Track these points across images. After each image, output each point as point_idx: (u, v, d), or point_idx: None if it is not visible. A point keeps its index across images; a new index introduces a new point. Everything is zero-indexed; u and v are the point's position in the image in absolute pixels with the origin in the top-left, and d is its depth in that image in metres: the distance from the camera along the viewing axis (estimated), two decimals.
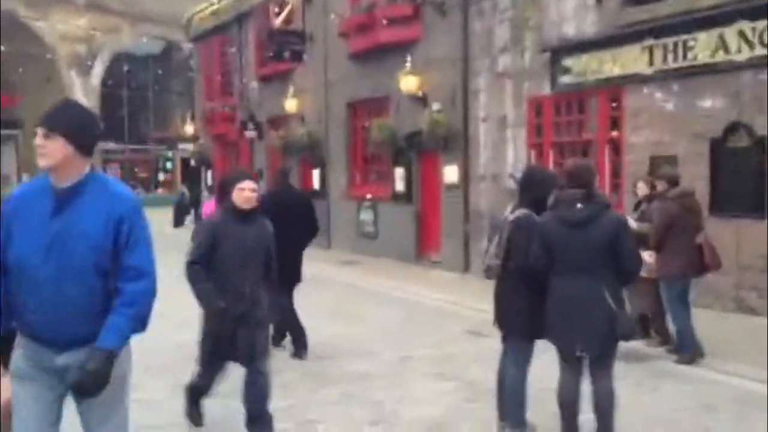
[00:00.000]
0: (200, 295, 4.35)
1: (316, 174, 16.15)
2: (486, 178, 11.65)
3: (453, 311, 9.01)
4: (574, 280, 3.92)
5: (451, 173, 12.16)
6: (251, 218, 4.44)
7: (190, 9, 21.89)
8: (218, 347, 4.41)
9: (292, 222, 6.43)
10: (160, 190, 34.15)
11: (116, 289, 2.65)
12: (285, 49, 15.31)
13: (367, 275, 12.04)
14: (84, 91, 30.61)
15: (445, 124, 11.97)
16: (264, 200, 6.47)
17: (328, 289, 11.03)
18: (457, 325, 8.07)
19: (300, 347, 6.66)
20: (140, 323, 2.70)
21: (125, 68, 32.76)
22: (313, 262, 14.08)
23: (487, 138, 11.64)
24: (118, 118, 32.71)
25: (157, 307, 2.78)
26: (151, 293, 2.72)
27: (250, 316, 4.36)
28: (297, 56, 15.44)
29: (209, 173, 22.06)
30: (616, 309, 3.87)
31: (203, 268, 4.33)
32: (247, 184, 4.39)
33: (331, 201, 15.69)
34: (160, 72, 34.02)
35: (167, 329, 7.69)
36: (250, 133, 18.33)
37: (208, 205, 7.13)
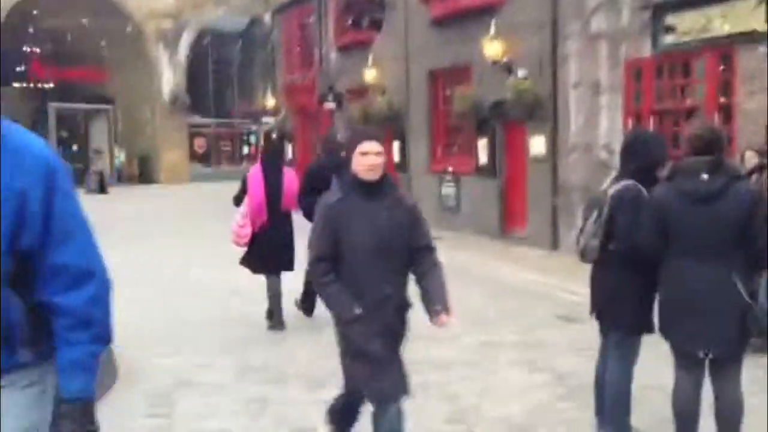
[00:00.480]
0: (329, 301, 3.30)
1: (396, 146, 15.66)
2: (577, 149, 10.84)
3: (541, 292, 8.38)
4: (697, 266, 3.28)
5: (538, 144, 11.42)
6: (381, 192, 3.28)
7: None
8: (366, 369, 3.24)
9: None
10: (244, 164, 34.49)
11: (47, 305, 1.84)
12: (364, 17, 14.81)
13: (448, 251, 11.41)
14: (171, 66, 31.05)
15: (532, 91, 11.21)
16: (310, 171, 6.49)
17: None
18: (546, 309, 7.46)
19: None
20: (104, 342, 1.93)
21: (210, 43, 33.02)
22: None
23: (578, 106, 10.81)
24: (203, 93, 33.09)
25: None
26: (104, 299, 1.91)
27: (393, 328, 3.31)
28: (376, 24, 14.91)
29: (290, 146, 21.93)
30: (748, 300, 3.21)
31: (330, 265, 3.25)
32: (372, 146, 3.24)
33: (411, 174, 15.18)
34: (243, 47, 34.15)
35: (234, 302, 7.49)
36: (330, 105, 17.99)
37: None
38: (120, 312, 2.30)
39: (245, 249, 6.48)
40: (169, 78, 30.95)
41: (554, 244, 11.15)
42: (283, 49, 21.58)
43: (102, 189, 25.79)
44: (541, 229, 11.41)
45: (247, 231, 6.31)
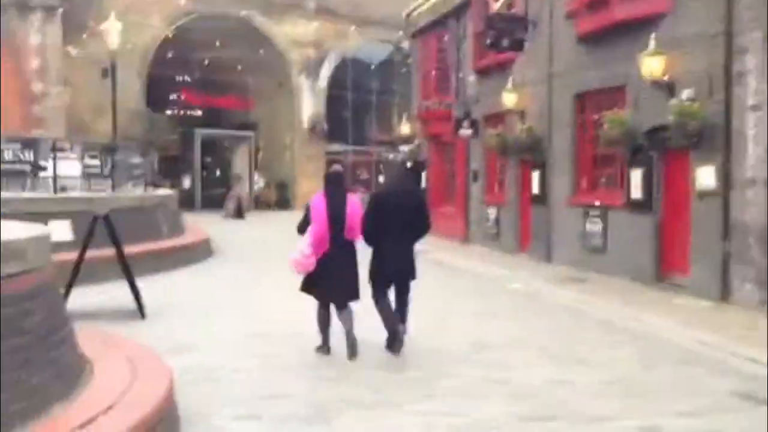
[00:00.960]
0: None
1: (535, 176, 14.32)
2: (755, 183, 9.09)
3: (711, 358, 6.77)
4: None
5: (706, 176, 9.73)
6: None
7: (410, 5, 21.11)
8: None
9: (405, 219, 6.43)
10: None
11: None
12: (504, 36, 13.70)
13: (592, 297, 10.03)
14: (311, 94, 31.39)
15: (699, 115, 9.59)
16: (373, 197, 6.75)
17: (543, 311, 9.29)
18: (719, 381, 5.92)
19: (394, 342, 6.48)
20: None
21: (350, 71, 33.16)
22: (529, 277, 12.28)
23: (757, 132, 9.08)
24: (342, 121, 33.20)
25: None
26: None
27: None
28: (518, 44, 13.76)
29: (423, 175, 21.07)
30: None
31: None
32: None
33: (552, 207, 13.77)
34: (383, 74, 34.04)
35: None
36: (465, 132, 16.96)
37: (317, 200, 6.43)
38: None
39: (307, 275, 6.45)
40: (310, 106, 31.30)
41: (724, 295, 9.38)
42: (419, 74, 20.86)
43: (239, 214, 26.15)
44: (707, 276, 9.67)
45: (312, 261, 6.24)
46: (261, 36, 29.04)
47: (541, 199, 14.08)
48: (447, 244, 17.69)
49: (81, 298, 8.61)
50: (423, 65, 20.53)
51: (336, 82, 32.22)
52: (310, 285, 6.39)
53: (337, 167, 7.10)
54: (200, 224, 18.95)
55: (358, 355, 6.33)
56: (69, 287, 7.62)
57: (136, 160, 13.75)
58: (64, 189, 11.95)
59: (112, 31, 15.30)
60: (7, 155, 9.86)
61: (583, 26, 12.23)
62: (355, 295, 6.39)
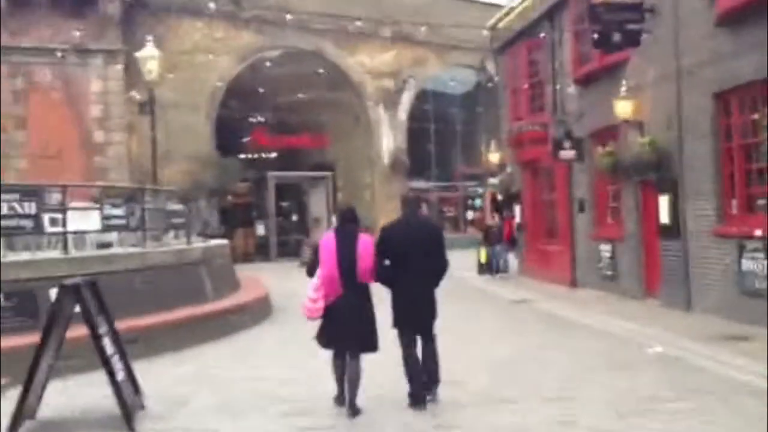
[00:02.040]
0: None
1: (663, 202, 11.33)
2: None
3: None
4: None
5: None
6: None
7: (494, 17, 18.70)
8: None
9: (419, 256, 5.94)
10: (469, 230, 31.46)
11: None
12: (615, 29, 10.94)
13: (759, 364, 7.00)
14: (391, 128, 29.32)
15: None
16: (384, 232, 6.12)
17: (683, 382, 6.45)
18: None
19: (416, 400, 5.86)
20: None
21: (431, 101, 30.94)
22: (669, 335, 8.97)
23: None
24: (425, 154, 30.92)
25: None
26: None
27: None
28: (633, 38, 10.94)
29: (517, 208, 18.30)
30: None
31: None
32: None
33: (689, 240, 10.75)
34: (466, 103, 31.67)
35: None
36: (567, 154, 14.16)
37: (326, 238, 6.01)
38: None
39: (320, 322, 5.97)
40: (390, 141, 29.25)
41: None
42: (508, 93, 18.22)
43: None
44: None
45: (320, 305, 5.84)
46: (335, 68, 27.27)
47: (673, 230, 11.09)
48: (551, 290, 14.81)
49: (60, 395, 6.43)
50: (512, 83, 17.90)
51: (416, 113, 30.12)
52: (321, 333, 5.99)
53: (343, 204, 6.34)
54: (267, 276, 16.91)
55: (372, 413, 5.69)
56: (25, 390, 5.38)
57: (175, 207, 11.73)
58: (107, 245, 10.00)
59: (148, 59, 13.49)
60: (4, 208, 7.92)
61: (723, 4, 9.37)
62: (370, 344, 5.87)
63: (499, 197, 20.19)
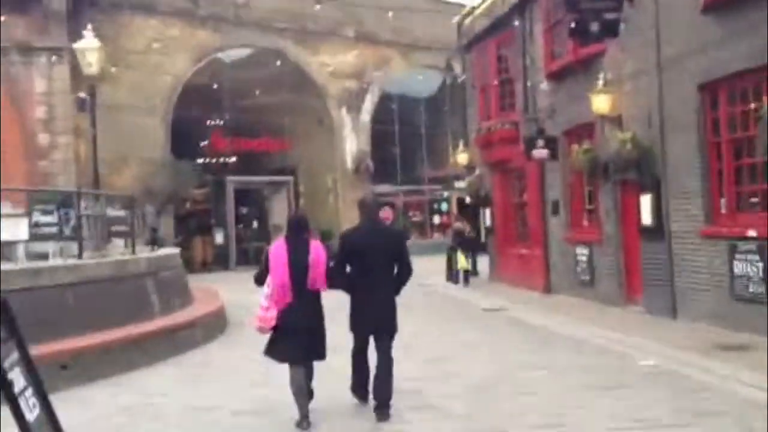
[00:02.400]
0: None
1: (645, 202, 10.66)
2: None
3: None
4: None
5: None
6: None
7: (461, 13, 17.98)
8: None
9: (379, 262, 5.79)
10: (435, 235, 30.70)
11: None
12: (593, 19, 10.23)
13: (761, 378, 6.30)
14: (354, 131, 28.44)
15: None
16: (343, 238, 6.05)
17: (688, 402, 5.74)
18: None
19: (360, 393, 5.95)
20: None
21: (396, 103, 30.12)
22: (651, 344, 8.24)
23: None
24: (389, 157, 30.05)
25: None
26: None
27: None
28: (611, 28, 10.24)
29: (487, 211, 17.57)
30: None
31: None
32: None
33: (673, 242, 10.08)
34: (432, 105, 30.94)
35: None
36: (540, 153, 13.45)
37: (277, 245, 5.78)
38: None
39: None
40: (353, 143, 28.38)
41: None
42: (477, 92, 17.48)
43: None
44: None
45: (273, 314, 5.62)
46: (296, 69, 26.29)
47: (656, 231, 10.43)
48: (524, 296, 14.10)
49: None
50: (481, 80, 17.17)
51: (380, 116, 29.23)
52: (271, 345, 5.75)
53: (300, 212, 6.60)
54: (225, 287, 15.88)
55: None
56: None
57: (118, 213, 10.64)
58: (43, 257, 8.94)
59: (87, 51, 12.39)
60: None
61: None
62: (319, 353, 5.78)
63: (468, 200, 19.42)
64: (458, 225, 17.90)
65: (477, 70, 17.50)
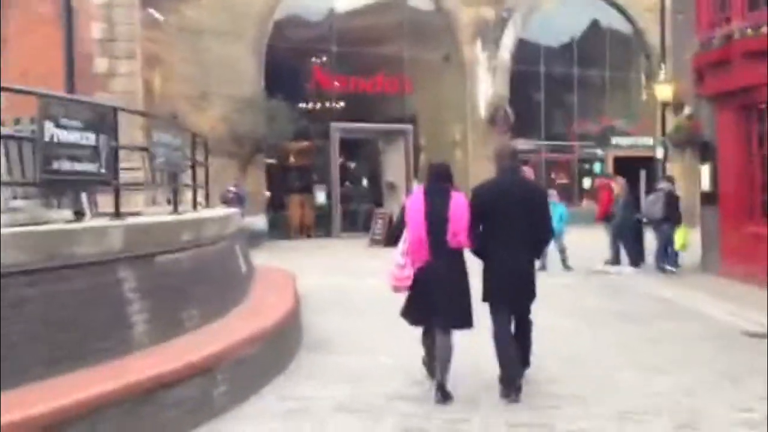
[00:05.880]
0: None
1: None
2: None
3: None
4: None
5: None
6: None
7: None
8: None
9: (518, 222, 5.14)
10: (584, 202, 24.93)
11: None
12: None
13: None
14: (490, 72, 23.03)
15: None
16: (475, 193, 5.40)
17: None
18: None
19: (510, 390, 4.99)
20: None
21: (541, 38, 24.41)
22: None
23: None
24: (532, 107, 24.49)
25: None
26: None
27: None
28: None
29: (705, 168, 11.74)
30: None
31: None
32: None
33: None
34: (589, 40, 25.02)
35: None
36: None
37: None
38: None
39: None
40: (488, 87, 23.06)
41: None
42: None
43: (392, 239, 17.79)
44: None
45: (409, 273, 5.14)
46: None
47: None
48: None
49: None
50: None
51: (523, 53, 23.59)
52: (408, 307, 5.24)
53: (443, 160, 6.04)
54: (320, 261, 11.36)
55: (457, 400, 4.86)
56: None
57: (174, 139, 6.25)
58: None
59: None
60: None
61: None
62: (464, 320, 5.07)
63: (663, 150, 13.55)
64: (666, 186, 12.14)
65: None
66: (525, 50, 24.03)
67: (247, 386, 4.90)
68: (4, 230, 4.01)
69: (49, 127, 4.55)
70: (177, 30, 18.28)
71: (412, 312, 5.20)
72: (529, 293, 5.25)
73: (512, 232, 5.11)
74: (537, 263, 5.47)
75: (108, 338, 4.42)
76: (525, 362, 5.27)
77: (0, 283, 3.83)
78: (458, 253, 5.10)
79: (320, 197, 21.27)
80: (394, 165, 22.65)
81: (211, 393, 4.51)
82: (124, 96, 15.81)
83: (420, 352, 5.47)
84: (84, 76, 15.39)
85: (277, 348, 5.67)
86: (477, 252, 5.23)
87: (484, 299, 5.20)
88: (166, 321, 4.93)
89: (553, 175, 25.99)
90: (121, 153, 6.09)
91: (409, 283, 5.10)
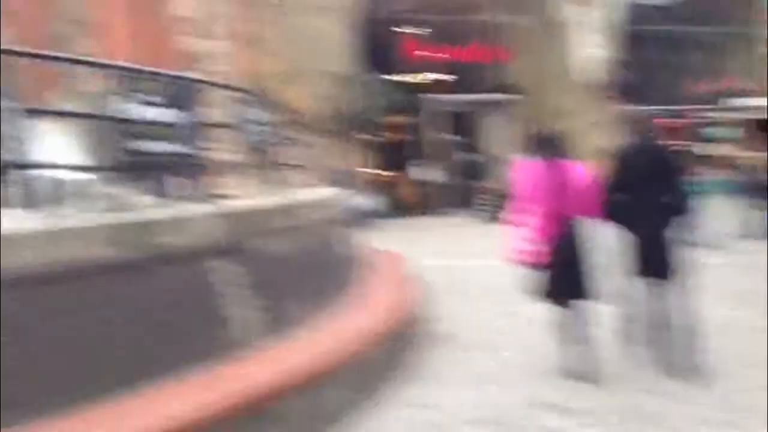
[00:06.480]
0: None
1: None
2: None
3: None
4: None
5: None
6: None
7: None
8: None
9: (652, 189, 4.81)
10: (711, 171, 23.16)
11: None
12: None
13: None
14: (599, 30, 21.56)
15: None
16: (615, 158, 5.15)
17: None
18: None
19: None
20: None
21: None
22: None
23: None
24: (647, 69, 22.82)
25: None
26: None
27: None
28: None
29: None
30: None
31: None
32: None
33: None
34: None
35: None
36: None
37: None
38: None
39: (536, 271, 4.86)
40: (593, 51, 21.54)
41: None
42: None
43: (503, 214, 16.75)
44: None
45: (533, 248, 4.80)
46: None
47: None
48: None
49: None
50: None
51: (635, 12, 21.86)
52: (551, 285, 4.85)
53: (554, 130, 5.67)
54: (426, 242, 10.65)
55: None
56: None
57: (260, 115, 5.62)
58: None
59: None
60: None
61: None
62: (586, 291, 4.79)
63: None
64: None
65: None
66: (636, 9, 22.39)
67: (366, 392, 4.19)
68: (96, 222, 3.44)
69: (129, 104, 3.95)
70: (269, 6, 17.83)
71: (557, 287, 4.82)
72: (666, 266, 4.81)
73: (646, 200, 4.84)
74: (684, 236, 4.92)
75: (202, 340, 3.81)
76: (691, 346, 4.73)
77: (84, 281, 3.27)
78: (578, 225, 4.90)
79: (422, 173, 20.54)
80: (496, 137, 21.55)
81: (324, 403, 3.82)
82: (218, 76, 15.57)
83: (549, 344, 4.86)
84: (177, 56, 15.23)
85: (396, 346, 4.94)
86: (618, 220, 4.93)
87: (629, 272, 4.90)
88: (270, 318, 4.28)
89: (669, 141, 24.28)
90: (213, 132, 5.52)
91: (532, 259, 4.81)
